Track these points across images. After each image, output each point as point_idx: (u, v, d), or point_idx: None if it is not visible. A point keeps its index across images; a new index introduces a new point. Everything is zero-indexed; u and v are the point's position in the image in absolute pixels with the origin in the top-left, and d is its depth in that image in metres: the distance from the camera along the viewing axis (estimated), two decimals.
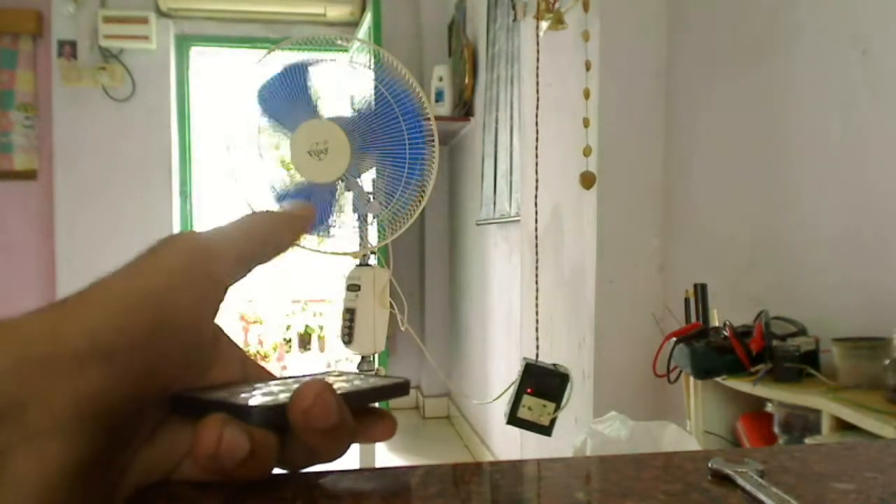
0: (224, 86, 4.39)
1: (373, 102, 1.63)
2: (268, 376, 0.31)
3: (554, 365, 1.32)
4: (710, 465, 0.28)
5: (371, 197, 1.66)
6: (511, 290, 2.63)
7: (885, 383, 0.94)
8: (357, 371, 1.64)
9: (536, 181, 1.61)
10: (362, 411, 0.29)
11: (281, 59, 1.62)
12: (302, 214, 0.31)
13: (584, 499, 0.27)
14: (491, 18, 2.90)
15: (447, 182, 3.93)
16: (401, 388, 0.31)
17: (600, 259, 1.73)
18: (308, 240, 1.71)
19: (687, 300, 1.39)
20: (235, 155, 1.66)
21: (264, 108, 1.61)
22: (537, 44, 1.64)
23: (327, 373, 0.33)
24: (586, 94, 1.58)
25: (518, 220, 2.42)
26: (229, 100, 3.54)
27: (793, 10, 1.32)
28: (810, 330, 1.17)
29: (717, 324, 1.34)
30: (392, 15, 3.76)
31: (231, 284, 0.28)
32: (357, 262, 1.71)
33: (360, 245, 1.70)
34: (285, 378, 0.30)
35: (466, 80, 3.28)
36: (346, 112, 1.66)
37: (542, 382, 1.29)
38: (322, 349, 5.33)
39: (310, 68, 1.56)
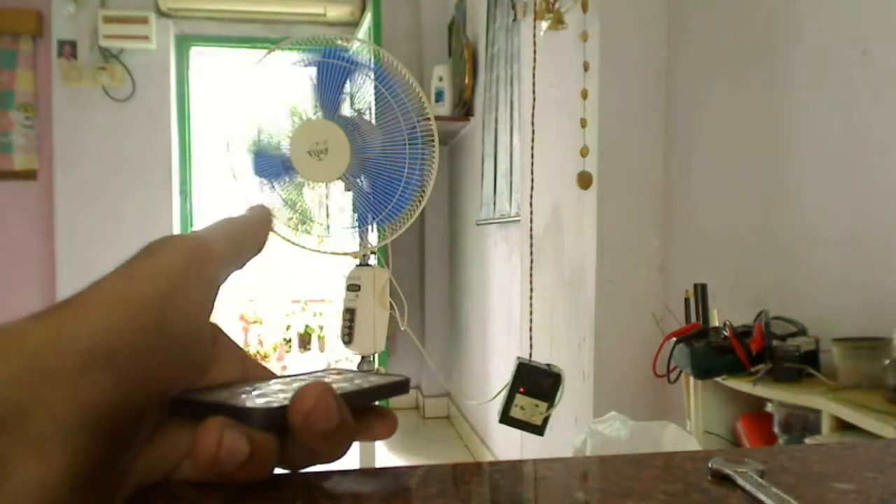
0: (224, 86, 4.39)
1: (373, 102, 1.63)
2: (267, 375, 0.31)
3: (547, 365, 1.32)
4: (710, 465, 0.28)
5: (371, 197, 1.66)
6: (511, 290, 2.63)
7: (885, 383, 0.94)
8: (357, 369, 1.64)
9: (532, 181, 1.61)
10: (363, 410, 0.29)
11: (281, 60, 1.62)
12: (267, 217, 0.32)
13: (584, 499, 0.27)
14: (490, 18, 2.90)
15: (447, 182, 3.93)
16: (401, 387, 0.31)
17: (600, 259, 1.74)
18: (307, 240, 1.71)
19: (687, 300, 1.39)
20: (235, 155, 1.66)
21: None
22: (534, 44, 1.64)
23: (327, 371, 0.33)
24: (584, 95, 1.58)
25: (518, 220, 2.42)
26: (229, 100, 3.55)
27: (793, 10, 1.32)
28: (810, 330, 1.17)
29: (717, 324, 1.34)
30: (392, 15, 3.76)
31: (222, 284, 0.28)
32: (357, 262, 1.71)
33: (360, 245, 1.70)
34: (285, 377, 0.30)
35: (466, 80, 3.28)
36: (346, 112, 1.66)
37: (535, 382, 1.29)
38: (322, 349, 5.33)
39: None
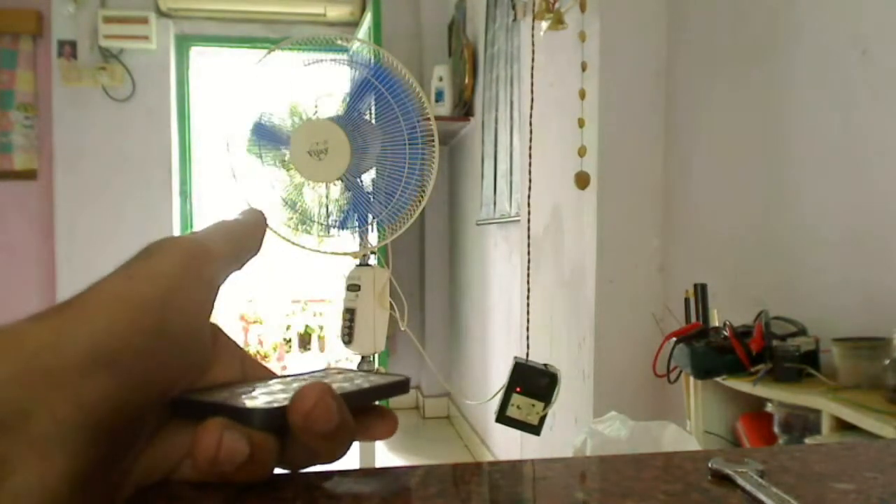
0: (224, 86, 4.39)
1: (373, 102, 1.63)
2: (267, 374, 0.31)
3: (544, 365, 1.32)
4: (710, 465, 0.28)
5: (371, 197, 1.66)
6: (511, 290, 2.63)
7: (885, 383, 0.94)
8: (357, 369, 1.64)
9: (530, 182, 1.61)
10: (363, 409, 0.29)
11: (280, 60, 1.62)
12: (262, 219, 0.32)
13: (583, 499, 0.27)
14: (490, 18, 2.90)
15: (447, 182, 3.93)
16: (401, 386, 0.31)
17: (600, 259, 1.74)
18: (307, 240, 1.71)
19: (687, 300, 1.39)
20: (235, 155, 1.66)
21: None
22: (533, 44, 1.64)
23: (327, 371, 0.33)
24: (581, 95, 1.58)
25: (518, 220, 2.42)
26: (229, 100, 3.55)
27: (793, 10, 1.32)
28: (810, 330, 1.17)
29: (717, 324, 1.34)
30: (392, 15, 3.76)
31: (222, 285, 0.28)
32: (357, 262, 1.71)
33: (360, 245, 1.70)
34: (285, 377, 0.30)
35: (466, 80, 3.28)
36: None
37: (531, 381, 1.29)
38: (322, 349, 5.33)
39: None
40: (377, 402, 0.30)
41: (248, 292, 5.20)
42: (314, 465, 0.28)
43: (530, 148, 1.61)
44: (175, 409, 0.26)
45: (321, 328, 5.37)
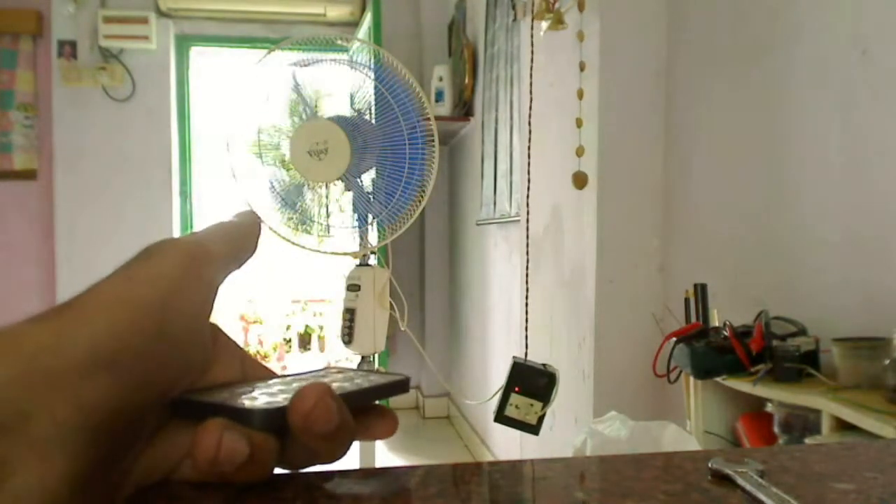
0: (224, 86, 4.39)
1: (373, 102, 1.63)
2: (267, 375, 0.31)
3: (543, 364, 1.32)
4: (710, 465, 0.28)
5: (371, 197, 1.66)
6: (511, 290, 2.63)
7: (885, 383, 0.94)
8: (356, 368, 1.64)
9: (529, 182, 1.61)
10: (363, 409, 0.29)
11: (281, 60, 1.62)
12: (256, 220, 0.32)
13: (583, 499, 0.27)
14: (490, 18, 2.90)
15: (447, 182, 3.93)
16: (401, 386, 0.31)
17: (600, 259, 1.74)
18: (307, 240, 1.71)
19: (687, 300, 1.39)
20: (235, 155, 1.66)
21: None
22: (532, 44, 1.64)
23: (327, 370, 0.33)
24: (580, 95, 1.58)
25: (518, 220, 2.42)
26: (229, 100, 3.55)
27: (793, 10, 1.32)
28: (810, 330, 1.17)
29: (717, 324, 1.34)
30: (392, 15, 3.76)
31: (221, 285, 0.28)
32: (357, 262, 1.71)
33: (360, 245, 1.70)
34: (285, 377, 0.30)
35: (466, 80, 3.28)
36: (346, 112, 1.66)
37: (530, 381, 1.29)
38: (322, 349, 5.32)
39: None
40: (377, 402, 0.30)
41: (248, 292, 5.20)
42: (314, 465, 0.28)
43: (529, 148, 1.61)
44: (175, 410, 0.26)
45: (321, 328, 5.36)
